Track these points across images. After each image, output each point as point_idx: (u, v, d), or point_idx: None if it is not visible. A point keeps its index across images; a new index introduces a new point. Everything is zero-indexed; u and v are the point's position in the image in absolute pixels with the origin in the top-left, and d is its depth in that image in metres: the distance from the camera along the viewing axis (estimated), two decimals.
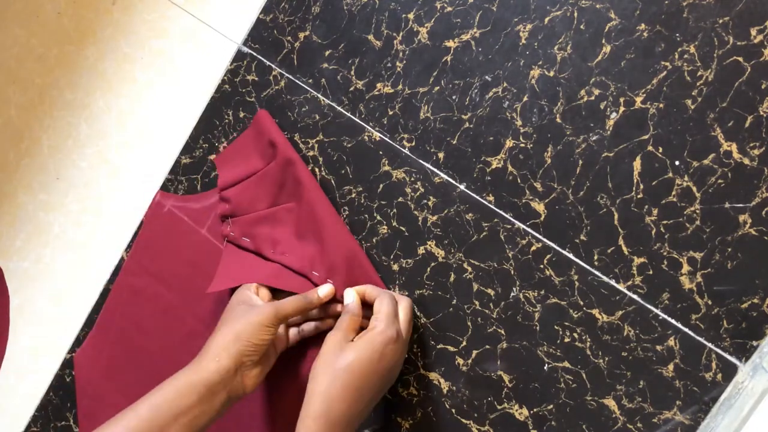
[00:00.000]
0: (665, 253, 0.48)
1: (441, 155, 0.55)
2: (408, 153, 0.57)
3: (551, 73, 0.52)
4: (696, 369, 0.47)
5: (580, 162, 0.51)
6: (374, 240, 0.57)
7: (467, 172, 0.54)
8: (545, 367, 0.51)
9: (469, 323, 0.53)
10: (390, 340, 0.48)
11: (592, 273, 0.50)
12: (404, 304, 0.53)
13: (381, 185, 0.57)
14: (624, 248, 0.49)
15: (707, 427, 0.47)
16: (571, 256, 0.51)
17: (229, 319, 0.51)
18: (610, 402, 0.49)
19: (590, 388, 0.50)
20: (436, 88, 0.56)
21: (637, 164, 0.49)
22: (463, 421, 0.53)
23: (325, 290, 0.54)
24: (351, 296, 0.53)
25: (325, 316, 0.56)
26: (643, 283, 0.49)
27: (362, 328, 0.50)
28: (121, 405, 0.64)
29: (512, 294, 0.52)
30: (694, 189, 0.48)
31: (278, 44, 0.62)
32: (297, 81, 0.61)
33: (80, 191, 0.71)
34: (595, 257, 0.50)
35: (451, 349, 0.54)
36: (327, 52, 0.60)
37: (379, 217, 0.57)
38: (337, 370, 0.46)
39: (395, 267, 0.56)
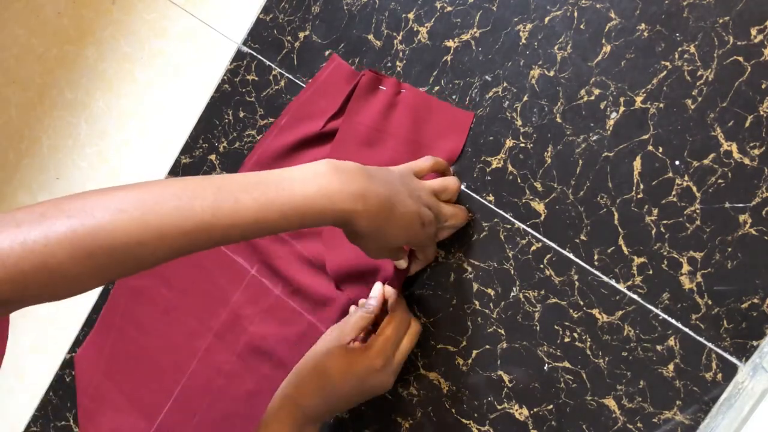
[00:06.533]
0: (665, 253, 0.48)
1: None
2: None
3: (551, 73, 0.52)
4: (696, 369, 0.47)
5: (580, 162, 0.51)
6: None
7: (467, 172, 0.54)
8: (545, 367, 0.51)
9: (469, 323, 0.53)
10: (372, 369, 0.48)
11: (592, 273, 0.50)
12: (412, 331, 0.51)
13: None
14: (624, 248, 0.49)
15: (707, 427, 0.46)
16: (571, 256, 0.51)
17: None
18: (610, 402, 0.49)
19: (590, 388, 0.50)
20: (436, 88, 0.56)
21: (637, 164, 0.49)
22: (463, 421, 0.53)
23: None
24: (377, 290, 0.52)
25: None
26: (643, 283, 0.49)
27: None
28: (122, 405, 0.64)
29: (512, 294, 0.52)
30: (694, 189, 0.48)
31: (278, 44, 0.62)
32: (297, 81, 0.61)
33: (80, 191, 0.71)
34: (595, 257, 0.50)
35: (451, 349, 0.54)
36: (327, 52, 0.60)
37: None
38: (318, 369, 0.48)
39: None
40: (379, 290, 0.52)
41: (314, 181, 0.40)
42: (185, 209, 0.37)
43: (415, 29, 0.57)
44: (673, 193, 0.48)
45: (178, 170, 0.66)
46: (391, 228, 0.43)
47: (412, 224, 0.45)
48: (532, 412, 0.51)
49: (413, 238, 0.46)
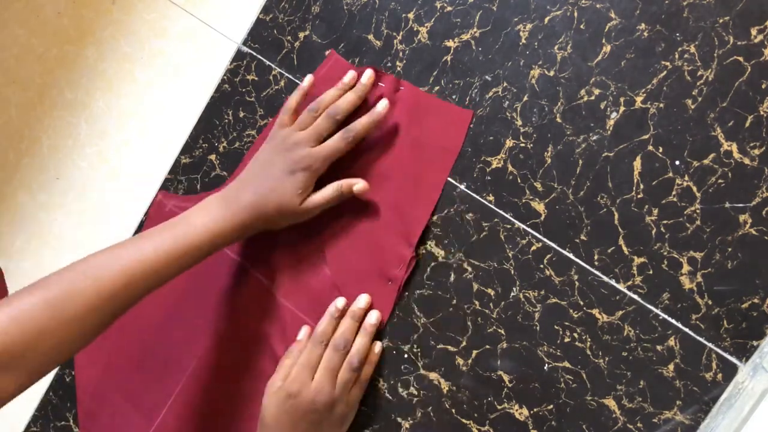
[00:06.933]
0: (665, 253, 0.48)
1: None
2: None
3: (551, 73, 0.52)
4: (696, 369, 0.47)
5: (580, 162, 0.51)
6: None
7: (467, 172, 0.54)
8: (545, 367, 0.51)
9: (469, 323, 0.53)
10: (286, 396, 0.51)
11: (592, 273, 0.50)
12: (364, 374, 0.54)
13: None
14: (624, 248, 0.49)
15: (707, 427, 0.46)
16: (571, 256, 0.51)
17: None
18: (610, 402, 0.49)
19: (590, 388, 0.50)
20: (436, 88, 0.56)
21: (637, 164, 0.49)
22: (463, 421, 0.53)
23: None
24: (301, 333, 0.57)
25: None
26: (643, 283, 0.49)
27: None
28: (122, 404, 0.64)
29: (512, 294, 0.52)
30: (694, 189, 0.48)
31: (278, 44, 0.62)
32: (297, 81, 0.61)
33: (80, 191, 0.71)
34: (595, 257, 0.50)
35: (451, 349, 0.54)
36: (327, 52, 0.60)
37: None
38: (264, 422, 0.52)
39: None
40: (304, 333, 0.56)
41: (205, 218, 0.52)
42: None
43: (415, 29, 0.57)
44: (673, 193, 0.48)
45: (178, 170, 0.66)
46: (278, 217, 0.53)
47: (289, 196, 0.52)
48: (532, 412, 0.51)
49: (297, 195, 0.52)
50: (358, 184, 0.54)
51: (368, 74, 0.55)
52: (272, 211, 0.52)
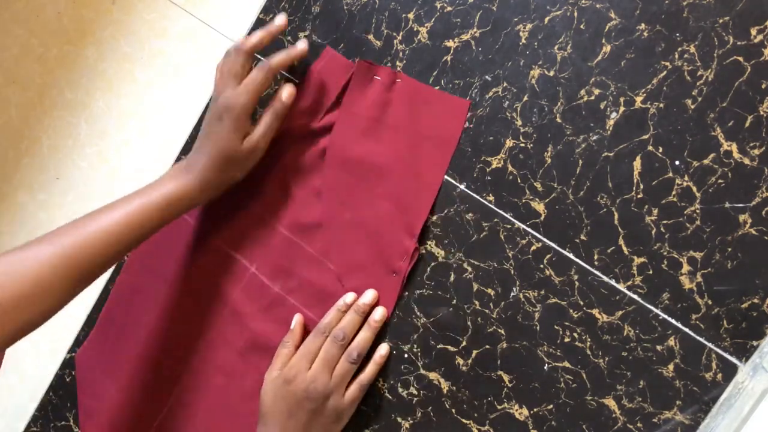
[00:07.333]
0: (665, 253, 0.48)
1: None
2: None
3: (551, 73, 0.52)
4: (696, 369, 0.47)
5: (580, 162, 0.51)
6: None
7: (467, 172, 0.54)
8: (545, 367, 0.51)
9: (469, 323, 0.53)
10: (282, 381, 0.53)
11: (592, 273, 0.50)
12: (366, 375, 0.55)
13: None
14: (624, 248, 0.49)
15: (707, 427, 0.47)
16: (571, 256, 0.51)
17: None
18: (610, 402, 0.49)
19: (590, 388, 0.50)
20: (436, 88, 0.56)
21: (637, 164, 0.50)
22: (463, 421, 0.53)
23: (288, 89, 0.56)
24: (295, 321, 0.57)
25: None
26: (643, 283, 0.49)
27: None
28: (122, 404, 0.64)
29: (512, 294, 0.52)
30: (694, 189, 0.48)
31: (278, 44, 0.62)
32: (296, 81, 0.61)
33: (80, 191, 0.71)
34: (595, 257, 0.50)
35: (451, 349, 0.54)
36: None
37: None
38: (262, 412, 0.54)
39: None
40: (297, 321, 0.57)
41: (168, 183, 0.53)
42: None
43: (415, 29, 0.57)
44: (673, 193, 0.48)
45: None
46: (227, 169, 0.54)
47: (232, 145, 0.53)
48: (532, 412, 0.51)
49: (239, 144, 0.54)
50: (285, 90, 0.55)
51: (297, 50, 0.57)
52: (221, 161, 0.53)
